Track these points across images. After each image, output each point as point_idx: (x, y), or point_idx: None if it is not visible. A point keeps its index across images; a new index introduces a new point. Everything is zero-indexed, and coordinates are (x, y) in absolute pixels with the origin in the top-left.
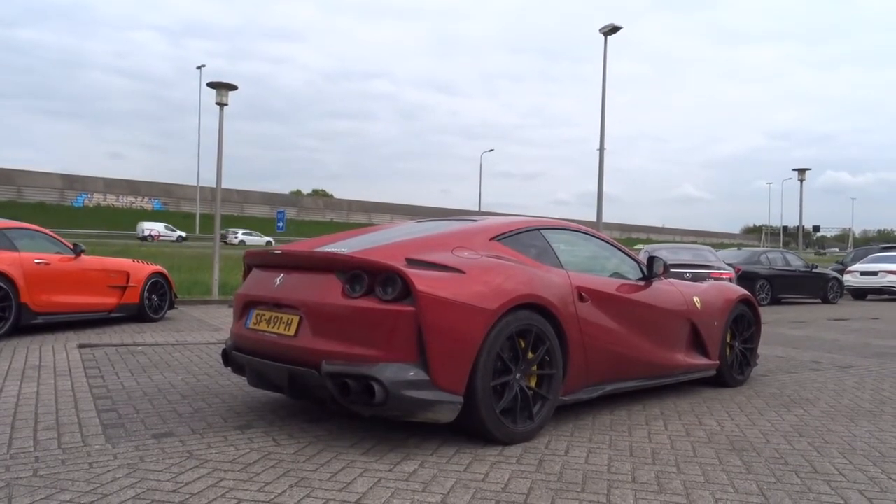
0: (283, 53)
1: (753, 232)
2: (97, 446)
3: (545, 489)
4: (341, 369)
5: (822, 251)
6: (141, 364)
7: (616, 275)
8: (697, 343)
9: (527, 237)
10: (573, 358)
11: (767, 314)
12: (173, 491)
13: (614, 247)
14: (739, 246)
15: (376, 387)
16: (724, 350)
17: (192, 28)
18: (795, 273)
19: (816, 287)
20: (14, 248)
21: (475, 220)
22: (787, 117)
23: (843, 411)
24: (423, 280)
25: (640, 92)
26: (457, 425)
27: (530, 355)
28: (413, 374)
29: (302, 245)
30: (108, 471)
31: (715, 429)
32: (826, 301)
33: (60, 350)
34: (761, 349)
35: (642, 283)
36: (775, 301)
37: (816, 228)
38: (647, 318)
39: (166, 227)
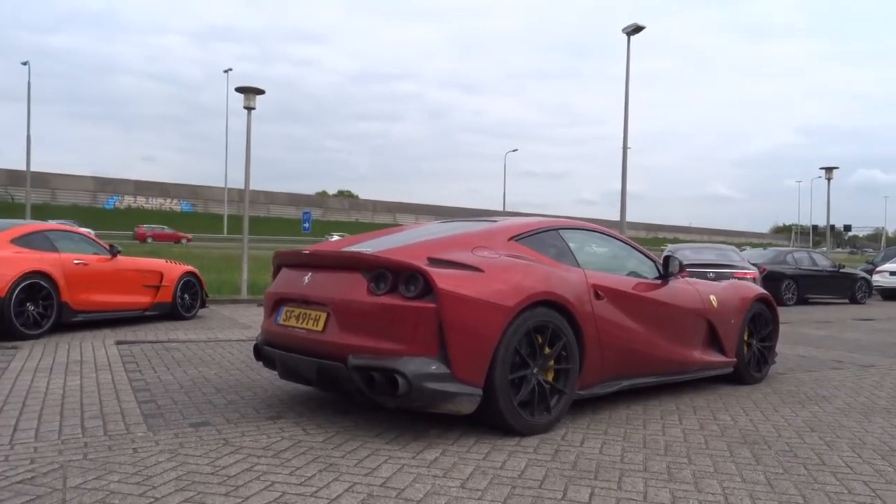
0: (309, 56)
1: (783, 231)
2: (140, 434)
3: (559, 476)
4: (367, 363)
5: (856, 250)
6: (176, 359)
7: (633, 274)
8: (714, 341)
9: (545, 237)
10: (589, 353)
11: (792, 314)
12: (212, 474)
13: (631, 246)
14: (765, 246)
15: (400, 379)
16: (742, 348)
17: (219, 32)
18: (822, 273)
19: (844, 287)
20: (55, 250)
21: (495, 221)
22: (819, 114)
23: (857, 408)
24: (443, 278)
25: (667, 88)
26: (476, 417)
27: (547, 350)
28: (435, 367)
29: (329, 245)
30: (151, 455)
31: (728, 423)
32: (854, 301)
33: (99, 346)
34: (782, 348)
35: (659, 282)
36: (802, 301)
37: (848, 228)
38: (662, 315)
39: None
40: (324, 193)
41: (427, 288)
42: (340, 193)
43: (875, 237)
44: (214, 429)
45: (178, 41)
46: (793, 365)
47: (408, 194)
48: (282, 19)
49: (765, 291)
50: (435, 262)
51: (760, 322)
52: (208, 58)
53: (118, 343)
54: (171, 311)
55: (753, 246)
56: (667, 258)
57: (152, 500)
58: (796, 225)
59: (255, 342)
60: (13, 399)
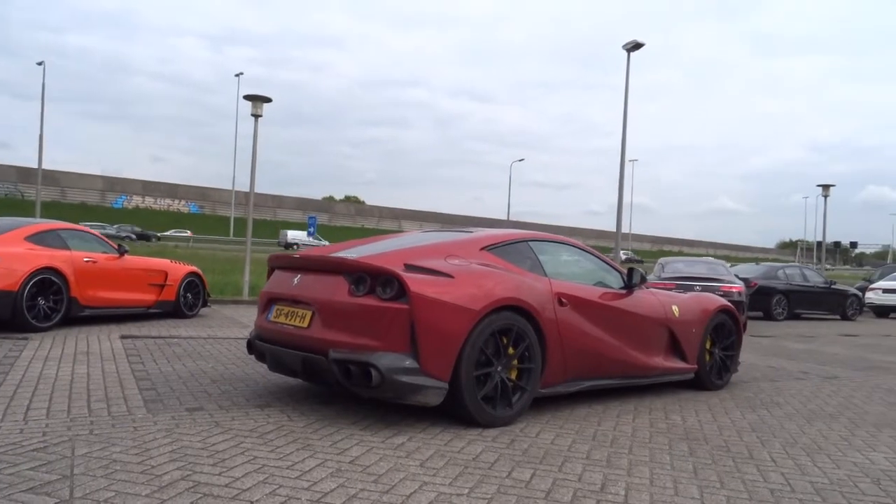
0: (320, 60)
1: (789, 247)
2: (140, 415)
3: (509, 460)
4: (345, 356)
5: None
6: (176, 353)
7: (599, 283)
8: (676, 348)
9: (514, 248)
10: (551, 355)
11: (779, 328)
12: (202, 449)
13: (599, 258)
14: (757, 261)
15: (373, 372)
16: (703, 356)
17: (233, 35)
18: (814, 289)
19: (835, 303)
20: (66, 247)
21: (471, 232)
22: (828, 130)
23: (804, 413)
24: (416, 282)
25: (676, 102)
26: (444, 409)
27: (511, 351)
28: (405, 362)
29: (317, 250)
30: (150, 433)
31: (677, 423)
32: (845, 317)
33: (105, 340)
34: (757, 359)
35: (623, 292)
36: (793, 316)
37: (854, 244)
38: (624, 322)
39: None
40: (331, 199)
41: (401, 291)
42: (347, 199)
43: (882, 255)
44: (208, 413)
45: (192, 43)
46: (759, 374)
47: (414, 201)
48: (294, 23)
49: (727, 303)
50: (410, 267)
51: (723, 332)
52: (220, 60)
53: (123, 337)
54: (175, 310)
55: (762, 261)
56: (630, 270)
57: (149, 467)
58: (802, 241)
59: (248, 338)
60: (25, 384)
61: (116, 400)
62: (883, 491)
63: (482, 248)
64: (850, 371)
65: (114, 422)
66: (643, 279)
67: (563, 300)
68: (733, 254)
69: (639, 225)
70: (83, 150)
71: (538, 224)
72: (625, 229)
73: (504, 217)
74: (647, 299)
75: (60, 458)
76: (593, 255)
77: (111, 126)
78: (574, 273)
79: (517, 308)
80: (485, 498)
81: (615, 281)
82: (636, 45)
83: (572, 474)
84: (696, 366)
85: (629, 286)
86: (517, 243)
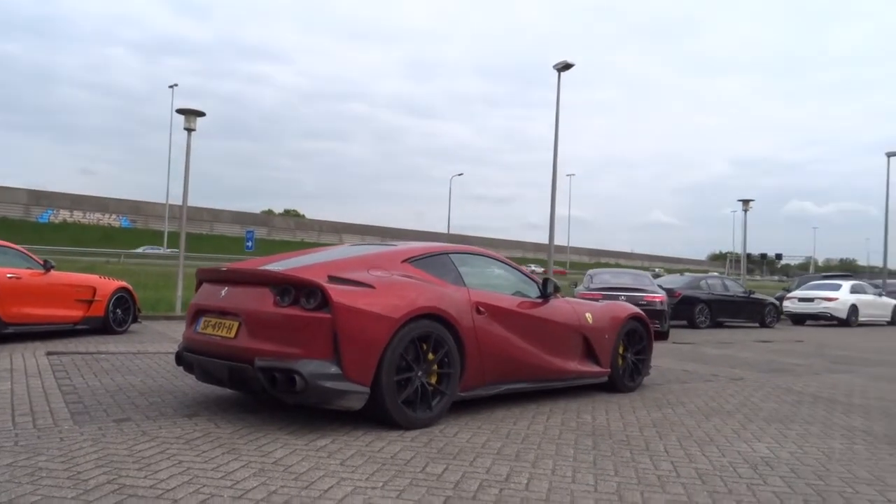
0: (259, 72)
1: (719, 259)
2: (66, 427)
3: (424, 457)
4: (270, 364)
5: (783, 278)
6: (104, 368)
7: (517, 293)
8: (590, 353)
9: (435, 260)
10: (469, 360)
11: (701, 336)
12: (128, 456)
13: (516, 269)
14: (682, 272)
15: (297, 378)
16: (616, 360)
17: (168, 45)
18: (734, 298)
19: (754, 312)
20: None
21: (395, 245)
22: (756, 146)
23: (704, 411)
24: (338, 293)
25: (612, 118)
26: (366, 413)
27: (431, 356)
28: (328, 368)
29: (245, 264)
30: (76, 443)
31: (587, 421)
32: (763, 325)
33: (30, 357)
34: (673, 364)
35: (539, 301)
36: (716, 324)
37: (779, 256)
38: (540, 329)
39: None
40: (270, 212)
41: (324, 301)
42: (287, 212)
43: (805, 266)
44: (135, 423)
45: (124, 53)
46: (672, 377)
47: (356, 215)
48: (233, 35)
49: (638, 311)
50: (333, 279)
51: (635, 338)
52: (154, 70)
53: (49, 354)
54: (104, 326)
55: (693, 272)
56: (545, 280)
57: (75, 473)
58: (731, 253)
59: (176, 350)
60: None
61: (42, 413)
62: (758, 475)
63: (403, 261)
64: (756, 373)
65: (39, 433)
66: (557, 289)
67: (481, 309)
68: (667, 265)
69: (577, 238)
70: (5, 162)
71: (479, 237)
72: (563, 242)
73: (445, 230)
74: (561, 307)
75: None
76: (511, 266)
77: (36, 137)
78: (492, 283)
79: (436, 316)
80: (397, 490)
81: (531, 290)
82: (566, 66)
83: (482, 467)
84: (609, 369)
85: (545, 295)
86: (438, 255)
